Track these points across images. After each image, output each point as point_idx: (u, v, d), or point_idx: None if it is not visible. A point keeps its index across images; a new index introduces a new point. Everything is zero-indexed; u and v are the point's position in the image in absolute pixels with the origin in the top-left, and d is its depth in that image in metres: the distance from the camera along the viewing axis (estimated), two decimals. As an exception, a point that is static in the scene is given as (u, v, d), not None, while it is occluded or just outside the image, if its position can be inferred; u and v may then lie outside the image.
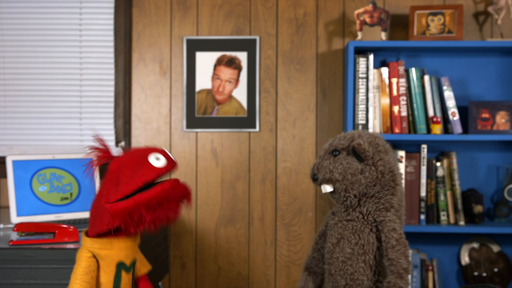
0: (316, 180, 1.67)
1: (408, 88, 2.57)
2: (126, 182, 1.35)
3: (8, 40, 2.81)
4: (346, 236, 1.64)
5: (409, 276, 1.59)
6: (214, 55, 2.76)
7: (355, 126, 2.53)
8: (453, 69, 2.69)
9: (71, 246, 1.79)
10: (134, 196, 1.34)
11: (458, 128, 2.52)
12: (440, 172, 2.57)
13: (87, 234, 1.49)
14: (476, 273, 2.64)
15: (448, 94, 2.55)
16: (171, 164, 1.39)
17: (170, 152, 2.76)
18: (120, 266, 1.47)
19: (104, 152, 1.46)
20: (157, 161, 1.37)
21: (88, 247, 1.45)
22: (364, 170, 1.63)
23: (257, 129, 2.75)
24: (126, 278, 1.48)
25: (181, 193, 1.39)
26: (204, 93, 2.76)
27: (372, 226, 1.63)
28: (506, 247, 2.69)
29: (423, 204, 2.54)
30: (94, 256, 1.45)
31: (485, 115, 2.56)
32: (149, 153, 1.39)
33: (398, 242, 1.58)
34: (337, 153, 1.66)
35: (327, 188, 1.65)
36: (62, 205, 2.29)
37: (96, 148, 1.45)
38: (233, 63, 2.76)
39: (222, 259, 2.78)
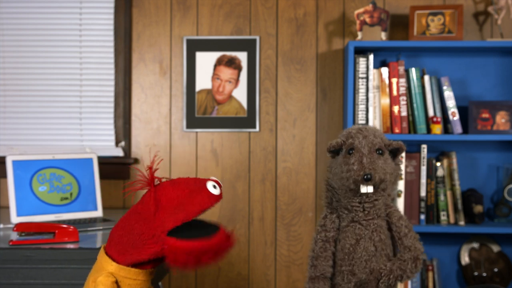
0: (370, 179, 1.56)
1: (408, 88, 2.58)
2: (187, 210, 1.35)
3: (8, 40, 2.81)
4: (366, 235, 1.63)
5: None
6: (214, 55, 2.76)
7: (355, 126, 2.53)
8: (453, 69, 2.69)
9: (71, 246, 1.79)
10: (199, 240, 1.35)
11: (458, 128, 2.52)
12: (440, 172, 2.57)
13: (111, 257, 1.40)
14: (476, 273, 2.64)
15: (448, 94, 2.55)
16: (221, 194, 1.42)
17: (168, 155, 2.76)
18: None
19: (148, 180, 1.42)
20: (214, 189, 1.39)
21: (114, 272, 1.38)
22: (395, 170, 1.65)
23: (257, 129, 2.75)
24: None
25: (231, 246, 1.43)
26: (204, 93, 2.76)
27: (385, 220, 1.68)
28: (506, 247, 2.69)
29: (423, 204, 2.54)
30: (116, 282, 1.38)
31: (485, 115, 2.56)
32: (205, 181, 1.40)
33: (408, 229, 1.63)
34: (381, 152, 1.61)
35: (370, 189, 1.58)
36: (62, 205, 2.29)
37: (143, 176, 1.43)
38: (233, 63, 2.76)
39: (222, 259, 2.77)
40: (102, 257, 1.40)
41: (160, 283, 2.48)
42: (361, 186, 1.57)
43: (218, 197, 1.39)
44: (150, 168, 1.41)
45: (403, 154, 2.50)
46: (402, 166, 2.50)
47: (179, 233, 1.35)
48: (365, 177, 1.55)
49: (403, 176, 2.50)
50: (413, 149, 2.65)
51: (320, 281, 1.68)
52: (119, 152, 2.77)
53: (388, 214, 1.67)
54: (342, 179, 1.61)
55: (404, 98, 2.54)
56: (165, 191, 1.39)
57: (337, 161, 1.67)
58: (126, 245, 1.38)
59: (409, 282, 2.55)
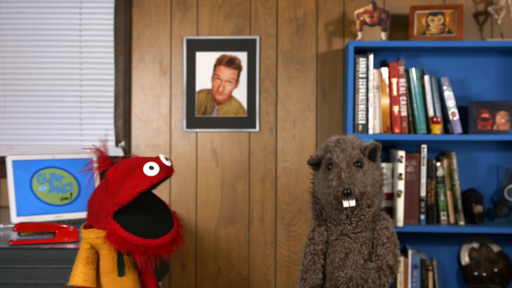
0: (349, 194, 1.55)
1: (408, 88, 2.57)
2: (121, 193, 1.40)
3: (8, 40, 2.81)
4: (355, 248, 1.62)
5: (392, 276, 1.57)
6: (214, 55, 2.76)
7: (355, 126, 2.53)
8: (453, 69, 2.69)
9: (71, 246, 1.79)
10: (140, 238, 1.40)
11: (458, 128, 2.52)
12: (440, 172, 2.57)
13: (85, 226, 1.51)
14: (476, 273, 2.64)
15: (448, 94, 2.55)
16: (165, 172, 1.43)
17: (168, 155, 2.76)
18: None
19: (104, 160, 1.51)
20: (150, 170, 1.42)
21: (86, 238, 1.47)
22: (379, 178, 1.62)
23: (257, 129, 2.75)
24: (129, 262, 1.50)
25: (172, 250, 1.46)
26: (204, 93, 2.76)
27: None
28: (506, 247, 2.69)
29: (423, 204, 2.54)
30: (94, 247, 1.47)
31: (485, 115, 2.56)
32: (144, 162, 1.43)
33: (388, 240, 1.59)
34: (359, 164, 1.60)
35: (352, 203, 1.57)
36: (62, 205, 2.29)
37: (98, 154, 1.51)
38: (233, 63, 2.76)
39: (222, 259, 2.78)
40: (81, 230, 1.51)
41: (160, 283, 2.48)
42: (343, 201, 1.57)
43: (153, 178, 1.41)
44: (104, 146, 1.50)
45: (403, 154, 2.50)
46: (402, 166, 2.50)
47: (129, 219, 1.42)
48: (345, 192, 1.55)
49: (403, 176, 2.50)
50: (413, 149, 2.65)
51: None
52: (119, 152, 2.77)
53: (374, 221, 1.64)
54: (324, 195, 1.61)
55: (404, 98, 2.54)
56: (111, 173, 1.46)
57: (318, 176, 1.67)
58: (89, 217, 1.50)
59: (409, 282, 2.55)
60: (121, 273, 1.48)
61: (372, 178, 1.61)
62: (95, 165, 1.51)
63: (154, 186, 1.48)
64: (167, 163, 1.45)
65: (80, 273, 1.45)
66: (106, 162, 1.51)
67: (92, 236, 1.46)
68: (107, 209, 1.42)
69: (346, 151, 1.60)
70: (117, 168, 1.47)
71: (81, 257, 1.47)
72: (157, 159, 1.44)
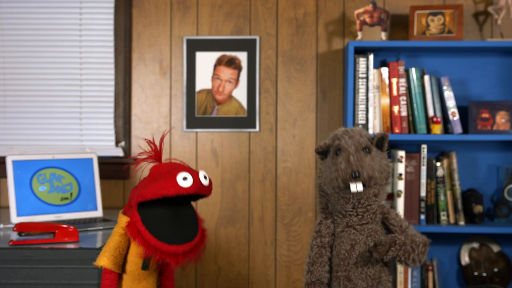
0: (358, 177, 1.56)
1: (408, 88, 2.58)
2: (149, 188, 1.43)
3: (8, 40, 2.81)
4: (361, 240, 1.63)
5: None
6: (214, 55, 2.76)
7: (355, 126, 2.53)
8: (453, 69, 2.69)
9: (71, 246, 1.79)
10: (151, 235, 1.42)
11: (458, 128, 2.52)
12: (440, 172, 2.57)
13: (123, 212, 1.54)
14: (476, 273, 2.64)
15: (448, 94, 2.55)
16: (196, 187, 1.44)
17: (168, 155, 2.76)
18: None
19: (156, 153, 1.54)
20: (183, 180, 1.43)
21: (119, 223, 1.50)
22: (386, 168, 1.64)
23: (257, 129, 2.75)
24: (154, 259, 1.51)
25: (181, 262, 1.47)
26: (204, 93, 2.76)
27: (380, 223, 1.67)
28: (506, 247, 2.69)
29: (423, 204, 2.54)
30: (126, 234, 1.50)
31: (485, 115, 2.56)
32: (181, 170, 1.45)
33: (407, 223, 1.64)
34: (368, 150, 1.62)
35: (360, 187, 1.58)
36: (62, 205, 2.29)
37: (152, 147, 1.54)
38: (233, 63, 2.76)
39: (222, 259, 2.78)
40: (119, 215, 1.54)
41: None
42: (351, 185, 1.58)
43: (180, 189, 1.42)
44: (151, 142, 1.53)
45: (403, 154, 2.50)
46: (402, 166, 2.50)
47: (152, 217, 1.45)
48: (353, 174, 1.56)
49: (403, 176, 2.50)
50: (413, 149, 2.65)
51: (316, 287, 1.69)
52: (119, 152, 2.77)
53: (384, 212, 1.67)
54: (332, 180, 1.62)
55: (404, 98, 2.54)
56: (155, 168, 1.49)
57: (326, 163, 1.68)
58: (128, 202, 1.53)
59: (409, 282, 2.55)
60: (144, 266, 1.50)
61: (380, 165, 1.62)
62: (144, 156, 1.53)
63: (187, 198, 1.50)
64: (204, 182, 1.46)
65: (108, 255, 1.48)
66: (156, 156, 1.54)
67: (123, 222, 1.49)
68: (135, 199, 1.45)
69: (354, 138, 1.63)
70: (162, 165, 1.49)
71: (113, 240, 1.49)
72: (195, 174, 1.45)
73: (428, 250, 1.61)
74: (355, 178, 1.56)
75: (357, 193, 1.59)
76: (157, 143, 1.55)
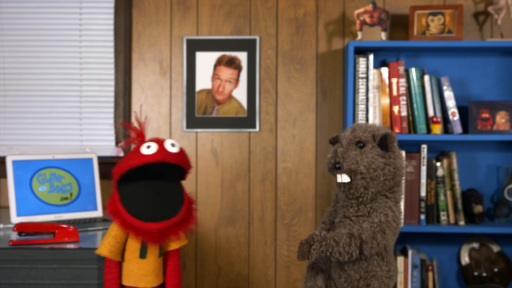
0: (339, 168, 1.62)
1: (408, 88, 2.58)
2: (119, 164, 1.45)
3: (8, 40, 2.81)
4: None
5: (363, 254, 1.56)
6: (214, 55, 2.76)
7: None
8: (453, 69, 2.69)
9: (71, 246, 1.79)
10: (127, 213, 1.44)
11: (458, 128, 2.52)
12: (440, 172, 2.57)
13: None
14: (476, 273, 2.64)
15: (448, 94, 2.55)
16: (162, 155, 1.43)
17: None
18: None
19: (138, 134, 1.54)
20: (146, 149, 1.43)
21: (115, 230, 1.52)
22: (385, 167, 1.64)
23: (257, 129, 2.75)
24: (153, 247, 1.52)
25: (160, 240, 1.49)
26: (204, 93, 2.76)
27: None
28: (506, 247, 2.69)
29: (423, 204, 2.54)
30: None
31: (485, 115, 2.56)
32: (144, 142, 1.47)
33: (379, 222, 1.60)
34: (361, 145, 1.65)
35: (345, 178, 1.63)
36: (62, 205, 2.29)
37: (134, 129, 1.54)
38: (233, 63, 2.76)
39: (222, 259, 2.78)
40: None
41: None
42: (337, 175, 1.64)
43: (144, 157, 1.42)
44: (139, 124, 1.53)
45: (403, 154, 2.50)
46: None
47: (130, 196, 1.46)
48: (336, 165, 1.62)
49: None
50: (413, 149, 2.65)
51: (311, 270, 1.77)
52: (119, 152, 2.77)
53: (375, 208, 1.66)
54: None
55: (404, 98, 2.54)
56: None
57: None
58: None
59: (409, 282, 2.55)
60: (142, 255, 1.51)
61: (371, 161, 1.63)
62: (129, 137, 1.54)
63: (172, 175, 1.48)
64: (171, 149, 1.45)
65: (107, 244, 1.50)
66: (139, 135, 1.53)
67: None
68: (114, 178, 1.47)
69: (355, 132, 1.67)
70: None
71: (113, 229, 1.51)
72: (159, 141, 1.45)
73: (358, 242, 1.56)
74: (337, 169, 1.62)
75: (345, 183, 1.64)
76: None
